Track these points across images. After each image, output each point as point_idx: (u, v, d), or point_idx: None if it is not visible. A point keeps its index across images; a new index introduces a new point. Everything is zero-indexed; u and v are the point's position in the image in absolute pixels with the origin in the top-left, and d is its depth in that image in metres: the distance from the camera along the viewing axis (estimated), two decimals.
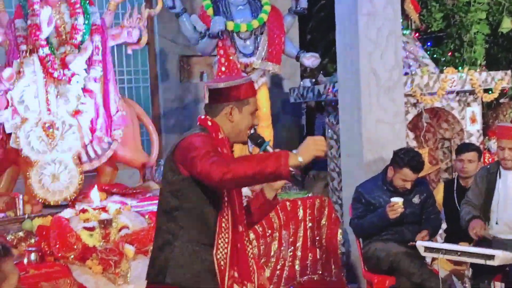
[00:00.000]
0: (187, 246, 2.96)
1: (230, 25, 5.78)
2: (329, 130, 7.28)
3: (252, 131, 3.15)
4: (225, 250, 2.98)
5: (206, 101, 3.17)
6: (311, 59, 6.10)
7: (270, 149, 3.04)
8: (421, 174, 6.17)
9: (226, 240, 3.00)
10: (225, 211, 3.01)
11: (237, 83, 3.12)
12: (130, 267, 4.14)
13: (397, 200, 5.03)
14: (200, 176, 2.83)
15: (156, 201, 4.97)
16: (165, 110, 7.33)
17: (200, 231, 2.98)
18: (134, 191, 5.26)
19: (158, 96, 7.34)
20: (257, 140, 3.10)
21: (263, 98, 5.98)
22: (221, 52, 5.77)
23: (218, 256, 2.97)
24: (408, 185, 5.19)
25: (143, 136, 6.24)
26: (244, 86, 3.12)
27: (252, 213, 3.23)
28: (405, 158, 5.16)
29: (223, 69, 5.74)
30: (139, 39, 5.44)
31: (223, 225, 2.99)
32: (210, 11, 5.80)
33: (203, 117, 3.13)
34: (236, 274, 3.03)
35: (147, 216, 4.55)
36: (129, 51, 5.62)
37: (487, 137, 7.53)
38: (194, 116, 7.43)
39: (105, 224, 4.32)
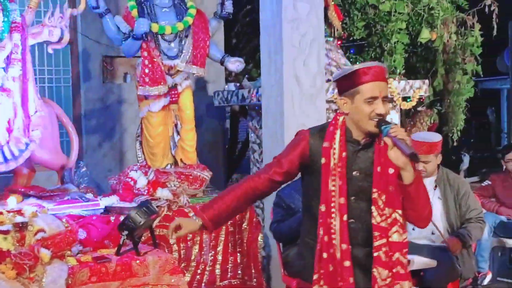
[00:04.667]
0: None
1: (155, 27, 5.73)
2: (252, 134, 7.31)
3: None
4: None
5: None
6: (235, 64, 6.11)
7: (391, 132, 2.97)
8: None
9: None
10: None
11: (342, 74, 3.14)
12: (46, 271, 4.01)
13: None
14: None
15: (74, 204, 4.94)
16: (86, 110, 7.19)
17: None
18: (52, 194, 5.14)
19: (80, 97, 7.18)
20: (380, 126, 3.04)
21: (186, 100, 5.98)
22: (145, 54, 5.72)
23: None
24: None
25: (63, 137, 6.13)
26: (351, 76, 3.08)
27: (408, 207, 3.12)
28: None
29: (146, 70, 5.69)
30: (61, 39, 5.33)
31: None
32: (134, 13, 5.72)
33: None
34: None
35: (64, 220, 4.43)
36: (50, 51, 5.48)
37: None
38: (117, 117, 7.33)
39: (20, 227, 4.19)
